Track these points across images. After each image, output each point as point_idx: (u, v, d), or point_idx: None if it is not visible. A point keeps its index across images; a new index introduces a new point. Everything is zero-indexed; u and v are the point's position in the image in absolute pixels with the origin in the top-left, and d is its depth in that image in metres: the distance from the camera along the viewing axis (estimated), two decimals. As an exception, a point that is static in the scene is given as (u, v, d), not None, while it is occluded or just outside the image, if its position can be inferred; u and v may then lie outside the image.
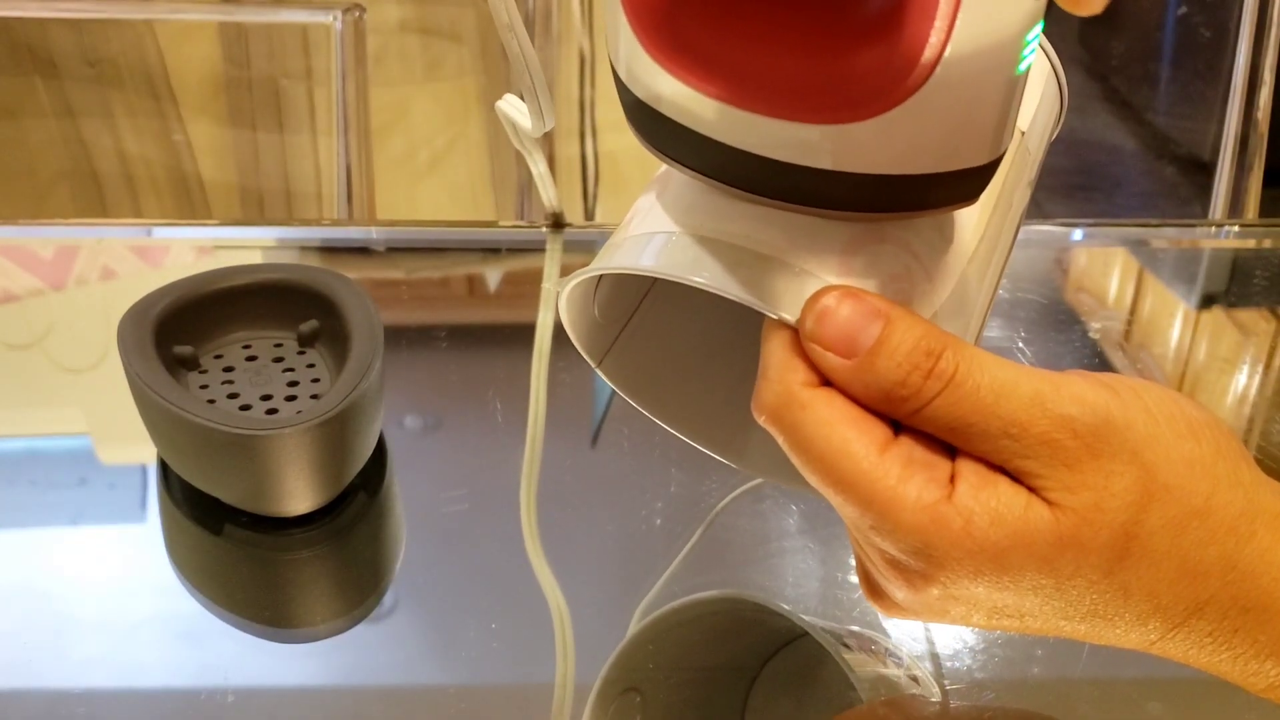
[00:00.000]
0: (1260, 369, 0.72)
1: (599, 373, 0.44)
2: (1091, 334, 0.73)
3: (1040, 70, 0.44)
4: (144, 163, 1.24)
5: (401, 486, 0.59)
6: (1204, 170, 1.08)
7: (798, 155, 0.33)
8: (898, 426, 0.34)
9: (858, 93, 0.31)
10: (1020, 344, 0.71)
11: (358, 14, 1.09)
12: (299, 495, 0.53)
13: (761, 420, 0.34)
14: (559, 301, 0.40)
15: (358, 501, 0.57)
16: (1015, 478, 0.33)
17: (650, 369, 0.46)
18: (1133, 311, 0.77)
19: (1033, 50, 0.32)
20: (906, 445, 0.33)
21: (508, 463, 0.60)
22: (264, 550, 0.54)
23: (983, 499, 0.32)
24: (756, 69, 0.32)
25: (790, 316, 0.34)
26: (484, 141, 1.28)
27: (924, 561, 0.33)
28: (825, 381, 0.33)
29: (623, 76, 0.35)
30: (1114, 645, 0.35)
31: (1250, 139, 1.01)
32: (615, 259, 0.37)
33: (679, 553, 0.54)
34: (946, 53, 0.30)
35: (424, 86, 1.28)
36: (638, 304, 0.45)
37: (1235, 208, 1.02)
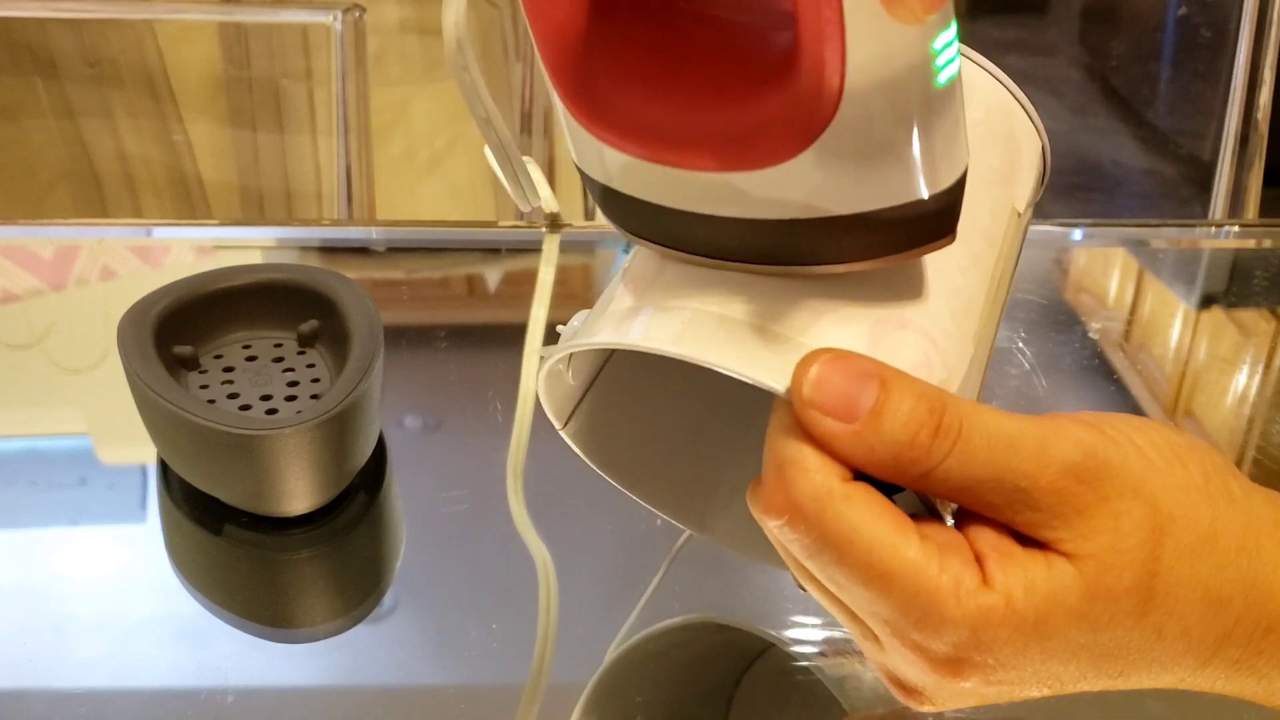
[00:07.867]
0: (1260, 369, 0.71)
1: (564, 436, 0.43)
2: (1091, 334, 0.73)
3: (1029, 141, 0.42)
4: (144, 163, 1.24)
5: (401, 486, 0.59)
6: (1204, 170, 1.08)
7: (740, 208, 0.32)
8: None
9: (777, 133, 0.30)
10: (1020, 344, 0.71)
11: (358, 14, 1.09)
12: (299, 495, 0.53)
13: (782, 517, 0.32)
14: (541, 369, 0.39)
15: (358, 501, 0.57)
16: (1024, 533, 0.32)
17: (615, 436, 0.45)
18: (1133, 312, 0.77)
19: (951, 60, 0.30)
20: (927, 528, 0.32)
21: (507, 463, 0.60)
22: (264, 550, 0.54)
23: (1011, 571, 0.32)
24: (675, 124, 0.32)
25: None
26: (484, 142, 1.29)
27: (970, 650, 0.32)
28: (855, 475, 0.32)
29: (575, 159, 0.35)
30: (1145, 687, 0.35)
31: (1250, 139, 1.01)
32: (600, 334, 0.36)
33: (670, 562, 0.54)
34: (847, 80, 0.29)
35: (424, 86, 1.28)
36: (599, 369, 0.44)
37: (1235, 208, 1.02)
